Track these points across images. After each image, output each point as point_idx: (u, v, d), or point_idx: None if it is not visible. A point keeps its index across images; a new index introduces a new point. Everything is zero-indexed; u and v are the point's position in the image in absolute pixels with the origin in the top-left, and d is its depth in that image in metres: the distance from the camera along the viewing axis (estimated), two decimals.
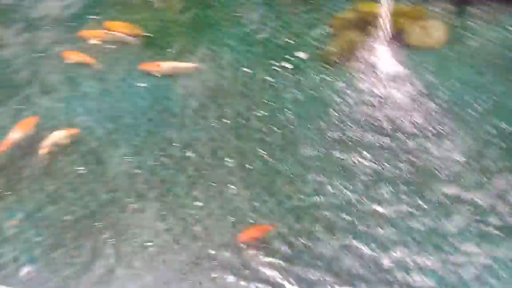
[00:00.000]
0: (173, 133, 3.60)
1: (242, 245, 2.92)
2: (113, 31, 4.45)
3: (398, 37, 4.26)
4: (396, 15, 4.20)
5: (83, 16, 4.67)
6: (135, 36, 4.43)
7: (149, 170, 3.35)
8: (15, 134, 3.48)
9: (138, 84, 4.01)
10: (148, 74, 4.05)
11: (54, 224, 3.04)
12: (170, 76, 4.08)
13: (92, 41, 4.36)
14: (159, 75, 4.04)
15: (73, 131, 3.55)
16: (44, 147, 3.42)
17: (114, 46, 4.35)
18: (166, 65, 4.10)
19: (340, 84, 3.97)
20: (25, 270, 2.80)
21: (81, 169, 3.35)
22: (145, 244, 2.93)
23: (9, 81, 4.05)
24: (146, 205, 3.14)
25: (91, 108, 3.80)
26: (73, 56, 4.19)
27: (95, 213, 3.09)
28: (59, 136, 3.48)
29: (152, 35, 4.47)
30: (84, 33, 4.43)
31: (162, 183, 3.27)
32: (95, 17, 4.64)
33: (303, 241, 2.95)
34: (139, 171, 3.33)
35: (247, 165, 3.38)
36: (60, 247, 2.92)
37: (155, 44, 4.41)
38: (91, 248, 2.91)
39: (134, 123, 3.70)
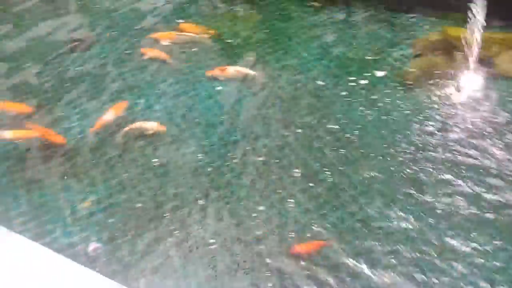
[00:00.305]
0: (242, 137, 3.66)
1: (292, 256, 2.88)
2: (186, 32, 4.64)
3: (485, 65, 4.06)
4: (486, 42, 4.02)
5: (169, 21, 4.94)
6: (207, 37, 4.60)
7: (216, 171, 3.42)
8: (108, 116, 3.77)
9: (212, 86, 4.14)
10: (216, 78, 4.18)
11: (123, 210, 3.18)
12: (242, 81, 4.17)
13: (164, 42, 4.58)
14: (223, 79, 4.15)
15: (153, 124, 3.71)
16: (124, 134, 3.64)
17: (186, 47, 4.55)
18: (232, 70, 4.19)
19: (416, 106, 3.84)
20: (91, 247, 2.96)
21: (155, 161, 3.50)
22: (203, 240, 2.99)
23: (98, 76, 4.37)
24: (210, 204, 3.20)
25: (167, 105, 3.98)
26: (150, 53, 4.45)
27: (162, 205, 3.20)
28: (140, 126, 3.69)
29: (230, 41, 4.63)
30: (157, 35, 4.66)
31: (227, 185, 3.33)
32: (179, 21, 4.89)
33: (358, 264, 2.86)
34: (207, 171, 3.42)
35: (312, 177, 3.35)
36: (125, 233, 3.04)
37: (228, 50, 4.54)
38: (154, 237, 3.01)
39: (206, 123, 3.81)
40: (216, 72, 4.18)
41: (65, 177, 3.39)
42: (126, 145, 3.61)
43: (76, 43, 4.62)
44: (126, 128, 3.68)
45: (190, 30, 4.67)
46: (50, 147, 3.58)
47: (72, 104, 4.02)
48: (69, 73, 4.34)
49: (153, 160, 3.50)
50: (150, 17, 5.02)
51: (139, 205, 3.20)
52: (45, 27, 4.93)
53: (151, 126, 3.70)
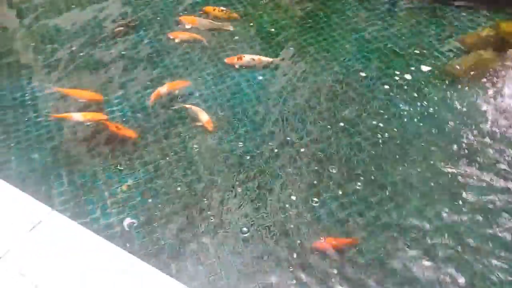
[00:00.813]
0: (279, 128, 3.64)
1: (314, 251, 2.87)
2: (212, 15, 4.69)
3: None
4: None
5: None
6: (232, 19, 4.65)
7: (252, 161, 3.42)
8: (163, 89, 3.92)
9: (252, 75, 4.12)
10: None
11: (160, 194, 3.24)
12: (279, 70, 4.14)
13: (188, 26, 4.62)
14: (238, 67, 4.16)
15: (205, 118, 3.71)
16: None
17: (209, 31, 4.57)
18: (248, 58, 4.16)
19: (463, 105, 3.69)
20: (126, 223, 3.06)
21: (195, 147, 3.54)
22: (234, 229, 3.01)
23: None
24: (245, 194, 3.21)
25: (207, 92, 4.01)
26: (181, 36, 4.53)
27: (197, 192, 3.23)
28: (194, 112, 3.75)
29: (271, 29, 4.59)
30: (183, 18, 4.72)
31: (262, 175, 3.32)
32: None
33: (387, 264, 2.80)
34: (243, 160, 3.42)
35: (349, 172, 3.30)
36: (160, 216, 3.10)
37: (268, 39, 4.50)
38: (188, 222, 3.05)
39: (243, 111, 3.79)
40: (233, 60, 4.19)
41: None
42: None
43: (120, 28, 4.69)
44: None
45: (214, 14, 4.73)
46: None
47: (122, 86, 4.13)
48: (111, 56, 4.44)
49: (194, 146, 3.55)
50: (192, 4, 5.02)
51: (177, 189, 3.26)
52: (91, 11, 5.03)
53: (203, 118, 3.69)
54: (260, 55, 4.25)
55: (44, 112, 3.86)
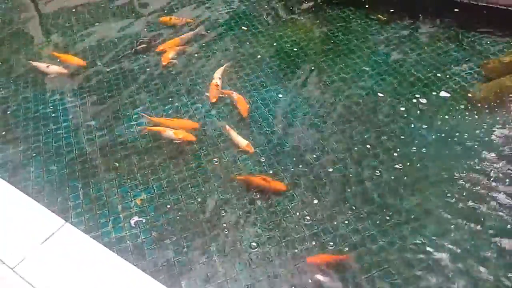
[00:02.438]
0: (295, 148, 3.64)
1: (308, 265, 2.86)
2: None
3: None
4: None
5: (233, 29, 5.04)
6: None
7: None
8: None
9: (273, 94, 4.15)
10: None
11: (170, 211, 3.25)
12: (297, 91, 4.16)
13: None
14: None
15: (243, 143, 3.66)
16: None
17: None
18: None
19: (481, 131, 3.63)
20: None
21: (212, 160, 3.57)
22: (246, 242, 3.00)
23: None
24: (253, 213, 3.20)
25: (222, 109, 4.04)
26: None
27: (209, 210, 3.24)
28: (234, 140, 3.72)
29: (290, 50, 4.62)
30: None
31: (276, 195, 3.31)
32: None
33: None
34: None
35: (363, 195, 3.26)
36: (174, 235, 3.11)
37: (286, 59, 4.53)
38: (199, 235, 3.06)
39: (261, 133, 3.81)
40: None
41: None
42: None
43: (142, 45, 4.79)
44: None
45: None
46: None
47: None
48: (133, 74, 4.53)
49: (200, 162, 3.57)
50: (213, 23, 5.11)
51: (193, 206, 3.27)
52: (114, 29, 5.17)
53: (241, 143, 3.66)
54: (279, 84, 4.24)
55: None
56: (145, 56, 4.68)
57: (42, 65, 4.52)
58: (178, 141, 3.63)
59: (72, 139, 3.81)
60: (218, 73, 4.29)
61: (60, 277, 2.42)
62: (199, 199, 3.29)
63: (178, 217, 3.18)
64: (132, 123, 3.93)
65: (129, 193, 3.36)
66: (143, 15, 5.34)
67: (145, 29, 5.10)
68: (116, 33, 5.06)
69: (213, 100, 4.06)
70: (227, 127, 3.78)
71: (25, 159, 3.64)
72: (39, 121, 4.01)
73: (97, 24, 5.26)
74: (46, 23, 5.37)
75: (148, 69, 4.52)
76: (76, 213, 3.20)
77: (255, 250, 2.97)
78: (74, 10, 5.51)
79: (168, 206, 3.25)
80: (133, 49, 4.75)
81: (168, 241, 3.04)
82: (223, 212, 3.20)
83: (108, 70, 4.55)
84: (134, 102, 4.15)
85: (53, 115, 4.06)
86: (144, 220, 3.16)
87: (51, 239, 2.54)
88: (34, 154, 3.69)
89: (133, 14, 5.37)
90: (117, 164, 3.57)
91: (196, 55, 4.67)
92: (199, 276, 2.84)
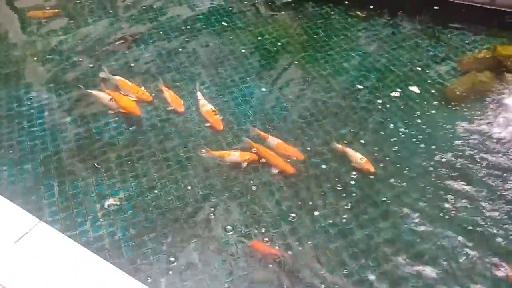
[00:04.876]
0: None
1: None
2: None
3: None
4: None
5: (212, 24, 5.00)
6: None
7: (242, 173, 3.40)
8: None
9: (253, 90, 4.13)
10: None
11: (150, 210, 3.21)
12: (277, 86, 4.15)
13: None
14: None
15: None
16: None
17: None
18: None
19: (455, 125, 3.70)
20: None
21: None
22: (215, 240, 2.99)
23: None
24: (234, 206, 3.20)
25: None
26: None
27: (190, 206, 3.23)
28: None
29: (270, 46, 4.62)
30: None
31: (256, 192, 3.30)
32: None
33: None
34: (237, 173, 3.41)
35: (343, 189, 3.28)
36: (152, 229, 3.08)
37: (267, 55, 4.52)
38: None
39: (240, 126, 3.79)
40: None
41: None
42: None
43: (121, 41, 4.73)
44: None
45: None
46: None
47: None
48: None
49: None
50: (193, 19, 5.07)
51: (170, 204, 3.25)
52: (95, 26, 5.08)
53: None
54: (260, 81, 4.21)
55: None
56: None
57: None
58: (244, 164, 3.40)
59: (48, 137, 3.74)
60: (201, 98, 3.94)
61: (34, 278, 2.36)
62: (178, 195, 3.27)
63: (156, 214, 3.16)
64: (106, 121, 3.86)
65: (106, 191, 3.31)
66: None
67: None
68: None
69: (221, 128, 3.71)
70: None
71: None
72: (13, 119, 3.91)
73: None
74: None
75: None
76: (51, 211, 3.15)
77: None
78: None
79: (147, 203, 3.22)
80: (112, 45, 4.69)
81: (146, 238, 3.01)
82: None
83: (83, 65, 4.47)
84: None
85: (28, 112, 3.98)
86: (122, 217, 3.12)
87: (24, 238, 2.49)
88: (9, 152, 3.61)
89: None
90: (95, 162, 3.51)
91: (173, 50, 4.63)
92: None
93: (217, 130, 3.71)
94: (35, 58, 4.58)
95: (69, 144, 3.65)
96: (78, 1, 5.38)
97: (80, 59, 4.53)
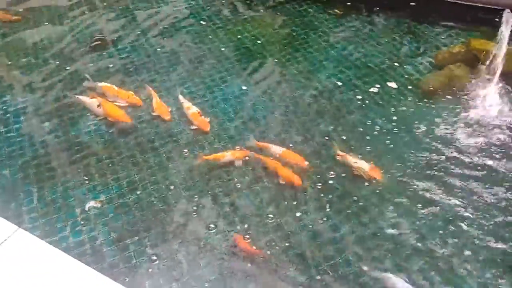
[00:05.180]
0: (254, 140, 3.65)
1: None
2: None
3: (508, 80, 3.94)
4: (510, 56, 3.89)
5: (194, 24, 4.96)
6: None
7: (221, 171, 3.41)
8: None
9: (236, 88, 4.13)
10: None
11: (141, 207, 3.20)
12: (257, 85, 4.16)
13: None
14: None
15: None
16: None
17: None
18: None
19: (433, 117, 3.77)
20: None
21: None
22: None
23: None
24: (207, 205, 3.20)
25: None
26: None
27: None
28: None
29: (250, 45, 4.62)
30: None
31: (238, 188, 3.32)
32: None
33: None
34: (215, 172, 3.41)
35: (323, 185, 3.31)
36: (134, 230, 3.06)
37: (247, 54, 4.53)
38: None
39: (222, 125, 3.79)
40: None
41: None
42: None
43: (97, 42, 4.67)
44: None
45: None
46: None
47: None
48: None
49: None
50: (171, 19, 5.03)
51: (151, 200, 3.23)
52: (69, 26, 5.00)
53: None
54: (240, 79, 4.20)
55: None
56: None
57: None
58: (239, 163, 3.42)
59: (25, 142, 3.67)
60: (184, 101, 3.92)
61: (14, 285, 2.33)
62: (159, 197, 3.25)
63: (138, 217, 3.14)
64: (89, 123, 3.82)
65: (86, 195, 3.28)
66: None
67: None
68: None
69: (207, 129, 3.71)
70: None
71: None
72: None
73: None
74: None
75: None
76: (30, 218, 3.10)
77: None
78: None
79: (128, 206, 3.20)
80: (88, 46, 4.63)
81: (129, 241, 2.99)
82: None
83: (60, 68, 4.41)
84: None
85: (4, 117, 3.90)
86: (103, 221, 3.10)
87: (2, 245, 2.45)
88: None
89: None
90: (75, 166, 3.47)
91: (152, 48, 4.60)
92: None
93: (203, 132, 3.70)
94: (9, 62, 4.50)
95: (47, 148, 3.60)
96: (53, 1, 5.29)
97: (57, 62, 4.47)
